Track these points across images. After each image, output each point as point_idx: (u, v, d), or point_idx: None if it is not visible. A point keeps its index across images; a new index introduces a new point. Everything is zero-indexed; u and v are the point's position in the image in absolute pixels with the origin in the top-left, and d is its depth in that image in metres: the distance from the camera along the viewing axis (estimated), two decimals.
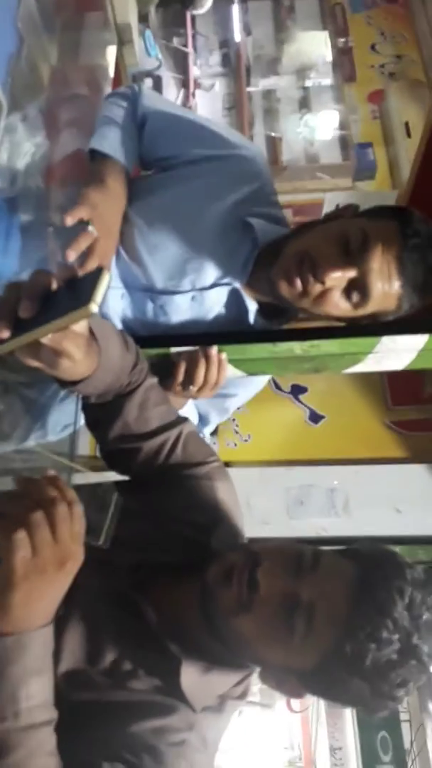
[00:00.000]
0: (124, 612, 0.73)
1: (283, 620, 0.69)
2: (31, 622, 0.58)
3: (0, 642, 0.57)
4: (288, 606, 0.69)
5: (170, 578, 0.79)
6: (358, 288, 0.92)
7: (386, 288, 0.91)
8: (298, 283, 0.93)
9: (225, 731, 0.77)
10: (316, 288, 0.92)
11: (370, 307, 0.94)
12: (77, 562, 0.60)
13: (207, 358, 0.94)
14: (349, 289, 0.92)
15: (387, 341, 0.94)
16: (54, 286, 0.64)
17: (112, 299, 1.03)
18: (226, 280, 1.03)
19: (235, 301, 1.04)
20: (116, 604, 0.74)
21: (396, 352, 0.96)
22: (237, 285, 1.03)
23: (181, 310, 1.03)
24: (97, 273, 0.60)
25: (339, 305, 0.94)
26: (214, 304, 1.04)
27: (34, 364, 0.67)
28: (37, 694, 0.58)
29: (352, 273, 0.91)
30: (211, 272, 1.02)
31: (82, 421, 0.95)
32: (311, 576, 0.70)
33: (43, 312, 0.63)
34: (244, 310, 1.04)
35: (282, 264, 0.95)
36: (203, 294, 1.02)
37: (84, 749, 0.63)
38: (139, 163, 1.13)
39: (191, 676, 0.72)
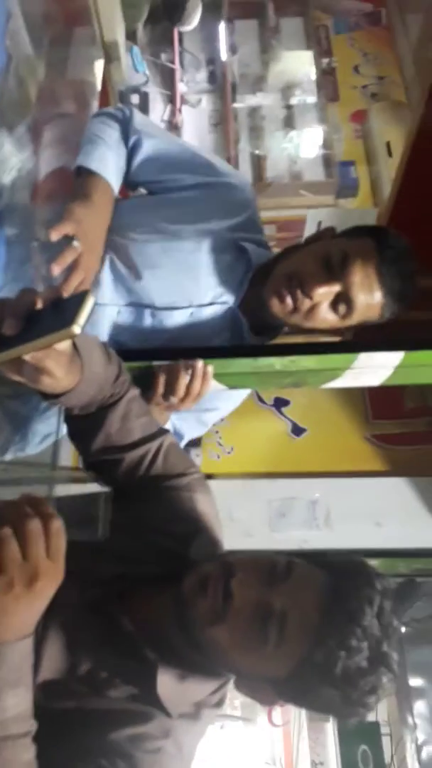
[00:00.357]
0: (102, 622, 0.74)
1: (257, 629, 0.70)
2: (6, 636, 0.58)
3: None
4: (261, 615, 0.70)
5: (148, 588, 0.80)
6: (343, 301, 1.01)
7: (369, 299, 1.01)
8: (289, 300, 1.00)
9: (201, 739, 0.78)
10: (306, 303, 1.01)
11: (356, 318, 1.02)
12: (52, 579, 0.59)
13: (190, 369, 0.96)
14: (336, 302, 1.01)
15: (364, 358, 0.97)
16: (39, 305, 0.65)
17: (108, 315, 1.05)
18: (222, 299, 1.08)
19: (231, 318, 1.09)
20: (94, 614, 0.75)
21: (373, 369, 0.99)
22: (232, 304, 1.08)
23: (178, 325, 1.06)
24: (82, 295, 0.62)
25: (327, 318, 1.02)
26: (211, 320, 1.08)
27: (17, 378, 0.68)
28: (12, 707, 0.57)
29: (336, 288, 0.99)
30: (208, 290, 1.07)
31: (63, 431, 0.96)
32: (284, 585, 0.72)
33: (28, 330, 0.64)
34: (240, 328, 1.09)
35: (273, 284, 1.03)
36: (201, 310, 1.07)
37: (62, 758, 0.64)
38: (126, 184, 1.15)
39: (167, 683, 0.73)
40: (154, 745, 0.69)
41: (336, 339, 1.09)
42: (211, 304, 1.07)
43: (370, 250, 0.99)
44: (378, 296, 1.00)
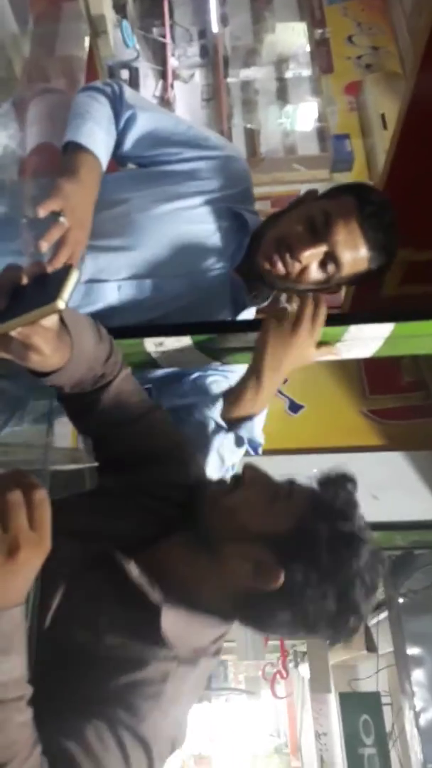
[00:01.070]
0: (106, 572, 0.75)
1: (270, 491, 0.81)
2: None
3: None
4: (271, 487, 0.82)
5: (151, 543, 0.82)
6: (331, 260, 1.04)
7: (355, 254, 1.03)
8: (280, 265, 1.03)
9: (199, 688, 0.80)
10: (296, 267, 1.04)
11: (345, 273, 1.06)
12: (37, 549, 0.58)
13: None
14: (324, 262, 1.04)
15: (355, 330, 0.97)
16: (24, 281, 0.65)
17: (110, 292, 1.05)
18: (220, 265, 1.10)
19: (229, 283, 1.11)
20: (99, 565, 0.76)
21: (363, 341, 0.99)
22: (230, 269, 1.10)
23: (178, 293, 1.07)
24: (66, 270, 0.62)
25: (319, 278, 1.06)
26: (210, 287, 1.10)
27: (4, 355, 0.69)
28: (4, 673, 0.58)
29: (323, 248, 1.02)
30: (207, 256, 1.09)
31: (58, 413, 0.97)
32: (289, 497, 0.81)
33: (13, 306, 0.64)
34: (239, 291, 1.12)
35: (263, 251, 1.06)
36: (201, 276, 1.09)
37: (62, 710, 0.66)
38: (115, 159, 1.15)
39: (171, 621, 0.75)
40: (153, 689, 0.71)
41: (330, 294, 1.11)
42: (209, 269, 1.09)
43: (351, 208, 1.02)
44: (363, 251, 1.03)
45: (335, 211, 1.03)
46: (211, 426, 1.04)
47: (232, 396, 1.05)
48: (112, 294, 1.06)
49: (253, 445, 1.11)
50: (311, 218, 1.03)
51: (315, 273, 1.05)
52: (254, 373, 1.01)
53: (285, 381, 2.16)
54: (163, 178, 1.12)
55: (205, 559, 0.79)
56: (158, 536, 0.83)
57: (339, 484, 0.81)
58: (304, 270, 1.04)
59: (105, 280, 1.05)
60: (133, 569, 0.76)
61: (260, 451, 1.13)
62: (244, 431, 1.06)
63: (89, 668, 0.68)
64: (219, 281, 1.10)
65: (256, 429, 1.10)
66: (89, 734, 0.64)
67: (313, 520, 0.77)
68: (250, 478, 0.83)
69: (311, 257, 1.03)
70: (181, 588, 0.77)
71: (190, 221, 1.09)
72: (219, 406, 1.05)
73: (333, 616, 0.76)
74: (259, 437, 1.12)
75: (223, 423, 1.04)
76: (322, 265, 1.04)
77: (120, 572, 0.76)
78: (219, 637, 0.82)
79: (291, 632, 0.83)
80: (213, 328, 1.01)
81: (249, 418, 1.06)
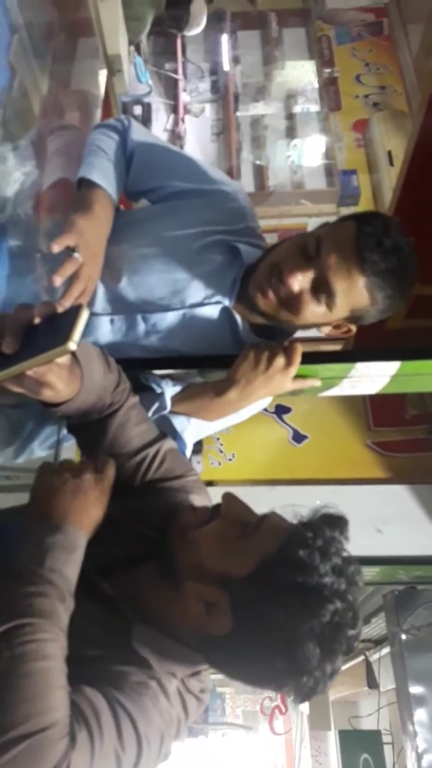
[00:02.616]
0: (83, 592, 0.75)
1: (237, 530, 0.78)
2: (70, 517, 0.73)
3: (45, 522, 0.73)
4: (243, 521, 0.78)
5: (129, 566, 0.84)
6: (322, 287, 0.97)
7: (350, 282, 0.96)
8: (271, 293, 0.99)
9: (185, 705, 0.78)
10: (284, 292, 0.98)
11: (342, 305, 0.99)
12: (105, 497, 0.79)
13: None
14: (317, 291, 0.98)
15: (361, 367, 0.98)
16: (36, 321, 0.67)
17: (101, 326, 1.06)
18: (215, 299, 1.07)
19: (227, 318, 1.09)
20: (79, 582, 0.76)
21: (370, 377, 1.00)
22: (227, 304, 1.08)
23: (173, 328, 1.07)
24: (76, 310, 0.64)
25: (314, 310, 0.99)
26: (206, 322, 1.08)
27: (18, 390, 0.70)
28: (62, 566, 0.69)
29: (311, 273, 0.97)
30: (200, 290, 1.07)
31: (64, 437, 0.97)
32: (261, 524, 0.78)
33: (26, 345, 0.66)
34: (236, 327, 1.09)
35: (255, 279, 1.02)
36: (194, 312, 1.07)
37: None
38: (125, 195, 1.17)
39: (142, 637, 0.75)
40: (141, 679, 0.72)
41: (341, 339, 1.10)
42: (203, 304, 1.07)
43: (347, 233, 0.96)
44: (359, 277, 0.95)
45: (327, 236, 0.98)
46: (157, 391, 1.05)
47: (191, 391, 1.06)
48: (105, 327, 1.07)
49: (180, 446, 1.09)
50: (304, 244, 0.99)
51: (309, 304, 0.98)
52: (222, 383, 1.02)
53: (289, 411, 2.19)
54: (158, 214, 1.13)
55: (168, 592, 0.78)
56: (141, 560, 0.84)
57: (318, 528, 0.74)
58: (296, 300, 0.98)
59: (98, 313, 1.06)
60: (107, 588, 0.78)
61: (188, 453, 1.13)
62: (178, 423, 1.07)
63: (76, 666, 0.68)
64: (215, 317, 1.08)
65: (191, 432, 1.10)
66: (84, 690, 0.67)
67: (273, 568, 0.72)
68: (225, 507, 0.81)
69: (300, 283, 0.97)
70: (150, 613, 0.78)
71: (178, 254, 1.07)
72: (176, 388, 1.06)
73: (282, 674, 0.71)
74: (189, 440, 1.12)
75: (168, 401, 1.05)
76: (315, 296, 0.98)
77: (96, 589, 0.78)
78: (196, 672, 0.80)
79: (252, 683, 0.79)
80: (220, 362, 1.03)
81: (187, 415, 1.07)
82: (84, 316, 0.64)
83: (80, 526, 0.75)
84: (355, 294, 0.97)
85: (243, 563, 0.74)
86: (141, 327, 1.07)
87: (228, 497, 0.82)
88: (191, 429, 1.11)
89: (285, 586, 0.70)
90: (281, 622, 0.69)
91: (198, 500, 0.94)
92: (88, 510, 0.76)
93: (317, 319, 1.01)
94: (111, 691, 0.68)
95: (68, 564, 0.71)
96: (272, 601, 0.70)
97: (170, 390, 1.06)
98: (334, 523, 0.76)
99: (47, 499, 0.76)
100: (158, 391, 1.04)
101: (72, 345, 0.62)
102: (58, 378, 0.71)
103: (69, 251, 0.94)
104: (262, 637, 0.72)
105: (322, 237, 0.98)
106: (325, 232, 1.00)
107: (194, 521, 0.82)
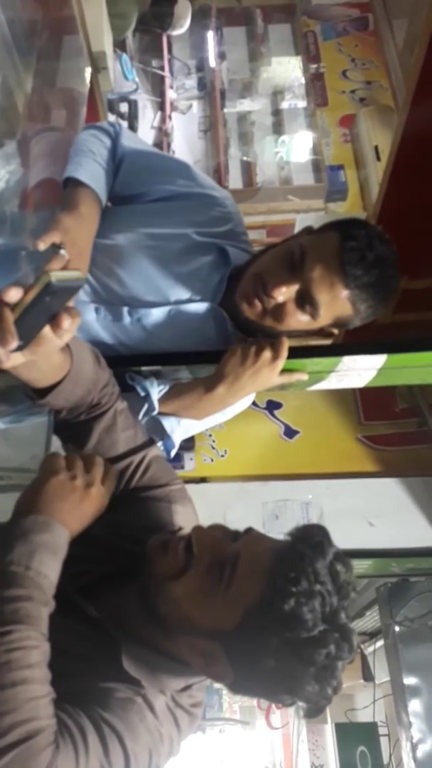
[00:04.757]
0: (67, 612, 0.75)
1: (214, 574, 0.73)
2: (55, 515, 0.73)
3: (31, 517, 0.72)
4: (218, 562, 0.74)
5: (111, 584, 0.83)
6: (306, 298, 0.98)
7: (333, 294, 0.97)
8: (257, 303, 1.00)
9: (176, 721, 0.78)
10: (270, 303, 0.99)
11: (326, 315, 1.00)
12: (99, 499, 0.79)
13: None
14: (301, 301, 0.99)
15: (348, 360, 0.99)
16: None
17: (87, 312, 1.06)
18: (200, 297, 1.08)
19: (214, 316, 1.09)
20: (58, 604, 0.75)
21: (357, 371, 1.01)
22: (212, 303, 1.08)
23: (159, 324, 1.07)
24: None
25: (299, 319, 1.01)
26: (191, 319, 1.08)
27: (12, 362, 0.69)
28: (48, 570, 0.69)
29: (295, 285, 0.98)
30: (186, 289, 1.07)
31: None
32: (241, 539, 0.77)
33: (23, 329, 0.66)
34: (224, 325, 1.09)
35: (241, 288, 1.03)
36: (179, 308, 1.07)
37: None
38: (112, 200, 1.17)
39: (132, 657, 0.75)
40: (127, 695, 0.72)
41: (325, 341, 1.10)
42: (188, 301, 1.07)
43: (330, 245, 0.97)
44: (341, 291, 0.96)
45: (312, 248, 0.98)
46: (141, 394, 1.04)
47: (178, 389, 1.06)
48: (90, 315, 1.07)
49: (167, 445, 1.10)
50: (289, 254, 0.99)
51: (293, 313, 1.00)
52: (210, 380, 1.02)
53: (280, 407, 2.20)
54: (145, 212, 1.13)
55: (159, 634, 0.77)
56: (123, 576, 0.83)
57: (298, 563, 0.69)
58: (281, 309, 1.00)
59: (84, 301, 1.07)
60: (91, 611, 0.78)
61: (172, 454, 1.12)
62: (167, 424, 1.08)
63: (61, 682, 0.68)
64: (201, 315, 1.09)
65: (179, 432, 1.10)
66: (67, 708, 0.67)
67: (259, 620, 0.70)
68: (197, 546, 0.76)
69: (285, 294, 0.98)
70: (139, 635, 0.78)
71: (165, 252, 1.07)
72: (161, 387, 1.06)
73: (288, 703, 0.75)
74: (178, 441, 1.12)
75: (155, 402, 1.05)
76: (300, 305, 0.99)
77: (80, 610, 0.78)
78: (187, 686, 0.80)
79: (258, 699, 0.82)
80: (211, 358, 1.03)
81: (176, 415, 1.07)
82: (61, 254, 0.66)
83: (70, 529, 0.75)
84: (339, 305, 0.99)
85: (228, 616, 0.72)
86: (126, 320, 1.07)
87: (197, 533, 0.78)
88: (180, 429, 1.11)
89: (275, 641, 0.69)
90: (277, 671, 0.70)
91: (181, 511, 0.93)
92: (82, 517, 0.77)
93: (301, 326, 1.02)
94: (96, 709, 0.69)
95: (53, 565, 0.71)
96: (265, 653, 0.70)
97: (156, 389, 1.06)
98: (315, 546, 0.72)
99: (47, 494, 0.75)
100: (142, 394, 1.04)
101: (52, 276, 0.62)
102: (49, 351, 0.72)
103: (55, 248, 0.94)
104: (262, 682, 0.74)
105: (306, 248, 0.98)
106: (309, 243, 1.00)
107: (169, 570, 0.76)
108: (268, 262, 1.02)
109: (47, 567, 0.70)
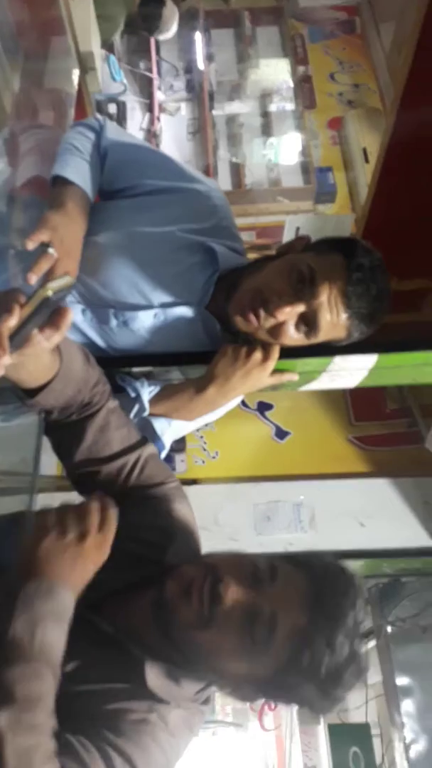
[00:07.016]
0: (81, 629, 0.74)
1: (246, 633, 0.72)
2: (53, 577, 0.68)
3: (34, 583, 0.67)
4: (250, 618, 0.72)
5: (123, 595, 0.81)
6: (307, 320, 0.97)
7: (334, 320, 0.97)
8: (253, 318, 0.98)
9: (189, 727, 0.79)
10: (269, 322, 0.97)
11: (321, 336, 1.00)
12: (99, 548, 0.72)
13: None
14: (302, 323, 0.98)
15: (339, 360, 0.99)
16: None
17: (74, 314, 1.05)
18: (186, 300, 1.06)
19: (201, 319, 1.07)
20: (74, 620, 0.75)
21: (348, 371, 1.01)
22: (197, 307, 1.07)
23: (146, 326, 1.06)
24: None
25: (292, 337, 1.00)
26: (179, 322, 1.06)
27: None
28: (52, 640, 0.66)
29: (300, 308, 0.96)
30: (172, 291, 1.06)
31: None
32: (270, 588, 0.74)
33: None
34: (213, 327, 1.08)
35: (237, 300, 1.01)
36: (166, 311, 1.06)
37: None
38: (100, 195, 1.16)
39: (156, 674, 0.74)
40: (139, 716, 0.71)
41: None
42: (175, 304, 1.06)
43: (338, 269, 0.96)
44: (343, 317, 0.96)
45: (321, 271, 0.95)
46: (131, 395, 1.04)
47: (169, 391, 1.05)
48: (77, 316, 1.06)
49: (158, 447, 1.08)
50: (294, 273, 0.96)
51: (289, 332, 0.98)
52: (201, 381, 1.02)
53: (271, 408, 2.20)
54: (130, 209, 1.12)
55: (180, 658, 0.76)
56: (133, 584, 0.81)
57: (334, 626, 0.72)
58: (278, 326, 0.98)
59: (71, 302, 1.05)
60: (106, 627, 0.77)
61: (163, 455, 1.10)
62: (158, 425, 1.07)
63: (71, 702, 0.68)
64: (189, 317, 1.07)
65: (169, 433, 1.10)
66: (74, 745, 0.65)
67: (292, 677, 0.73)
68: (227, 599, 0.73)
69: (288, 315, 0.96)
70: (155, 651, 0.77)
71: (149, 253, 1.06)
72: (151, 388, 1.05)
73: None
74: (168, 442, 1.11)
75: (146, 403, 1.04)
76: (298, 324, 0.98)
77: (96, 627, 0.76)
78: (205, 686, 0.80)
79: None
80: (202, 359, 1.02)
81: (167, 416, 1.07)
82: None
83: (74, 588, 0.71)
84: (336, 330, 0.99)
85: (260, 671, 0.74)
86: (113, 322, 1.06)
87: (226, 584, 0.73)
88: (170, 430, 1.10)
89: (307, 688, 0.73)
90: (305, 702, 0.77)
91: (179, 508, 0.92)
92: (83, 571, 0.73)
93: (292, 343, 1.01)
94: (107, 735, 0.68)
95: (59, 632, 0.67)
96: (294, 695, 0.76)
97: (147, 390, 1.05)
98: (346, 594, 0.74)
99: (42, 555, 0.70)
100: (132, 395, 1.03)
101: (49, 291, 0.62)
102: (38, 353, 0.71)
103: (43, 247, 0.93)
104: (291, 699, 0.79)
105: (316, 270, 0.96)
106: (318, 265, 0.97)
107: (194, 621, 0.73)
108: (270, 278, 0.99)
109: (53, 635, 0.66)
